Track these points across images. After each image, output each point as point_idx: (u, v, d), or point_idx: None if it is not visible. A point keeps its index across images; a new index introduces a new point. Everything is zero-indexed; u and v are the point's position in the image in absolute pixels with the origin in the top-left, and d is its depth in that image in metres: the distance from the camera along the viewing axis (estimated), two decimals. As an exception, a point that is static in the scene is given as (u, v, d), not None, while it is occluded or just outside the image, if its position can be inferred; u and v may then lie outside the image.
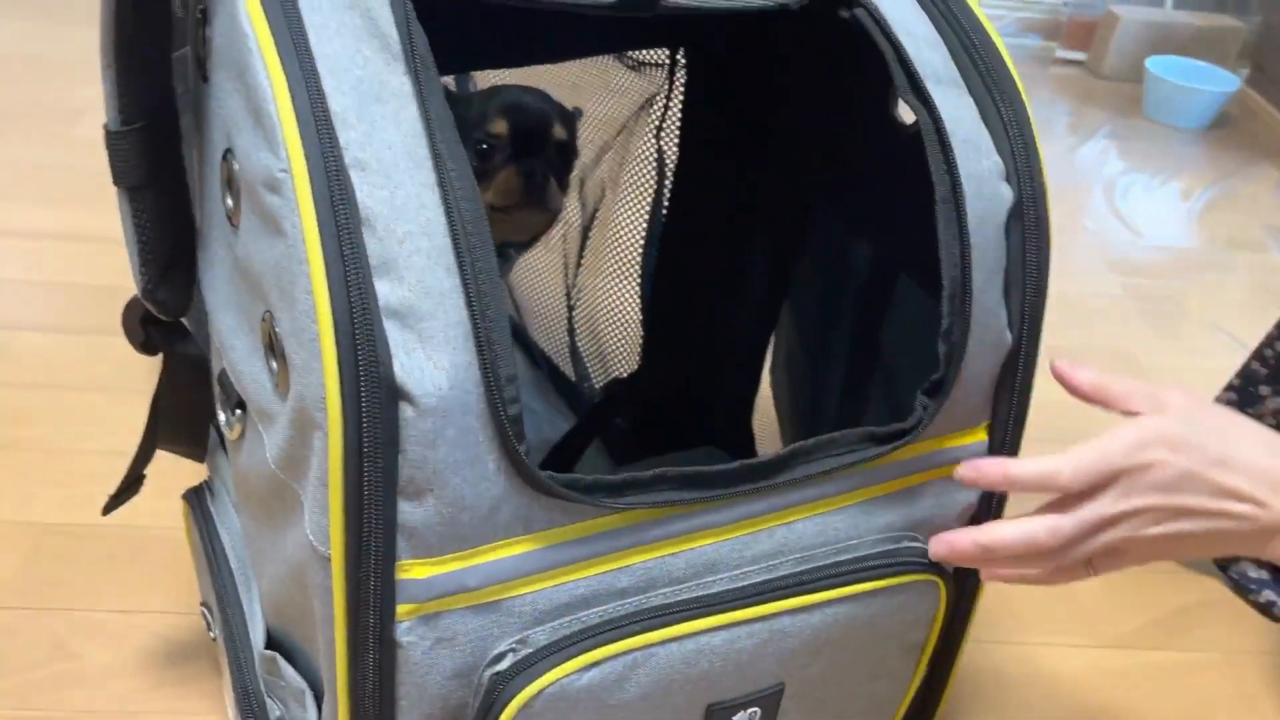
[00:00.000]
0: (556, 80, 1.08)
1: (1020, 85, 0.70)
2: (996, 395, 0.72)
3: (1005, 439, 0.73)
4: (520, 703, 0.59)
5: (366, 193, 0.53)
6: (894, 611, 0.70)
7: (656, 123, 1.01)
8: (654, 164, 1.02)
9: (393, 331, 0.53)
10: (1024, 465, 0.66)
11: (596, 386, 1.18)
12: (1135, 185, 2.20)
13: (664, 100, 0.99)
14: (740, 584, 0.65)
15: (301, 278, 0.53)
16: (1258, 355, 1.10)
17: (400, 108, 0.55)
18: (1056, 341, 1.56)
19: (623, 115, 1.05)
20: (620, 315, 1.12)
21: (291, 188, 0.53)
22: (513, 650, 0.60)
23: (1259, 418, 1.09)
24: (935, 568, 0.71)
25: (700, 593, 0.64)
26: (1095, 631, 1.14)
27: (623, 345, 1.13)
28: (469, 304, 0.54)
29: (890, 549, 0.70)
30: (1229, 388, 1.13)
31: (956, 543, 0.68)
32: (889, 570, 0.69)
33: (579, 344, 1.20)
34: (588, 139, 1.07)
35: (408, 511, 0.56)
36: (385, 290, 0.53)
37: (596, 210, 1.12)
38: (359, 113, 0.54)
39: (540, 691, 0.59)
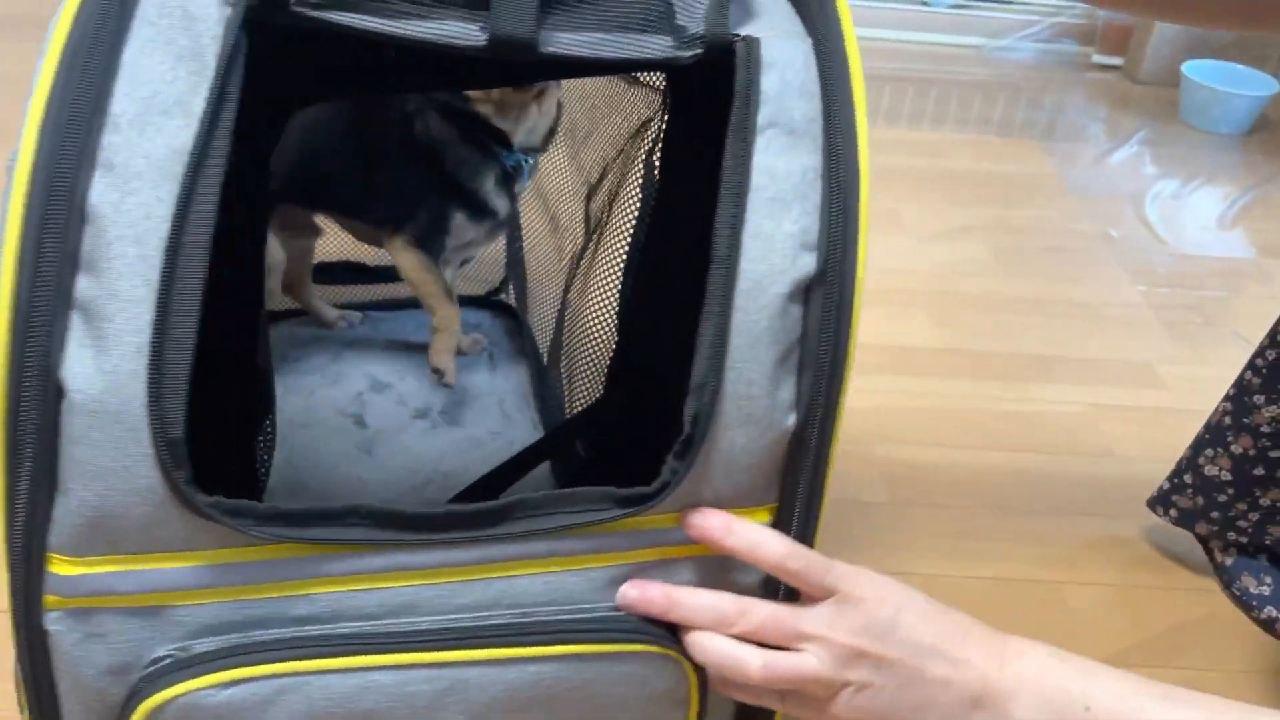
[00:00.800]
0: (569, 89, 1.07)
1: (864, 149, 0.63)
2: (786, 476, 0.66)
3: (792, 522, 0.68)
4: (149, 708, 0.58)
5: (99, 192, 0.55)
6: (619, 682, 0.65)
7: (647, 147, 0.97)
8: (639, 189, 0.99)
9: (76, 324, 0.54)
10: (748, 533, 0.64)
11: (568, 412, 1.16)
12: (1166, 192, 2.09)
13: (657, 125, 0.95)
14: (429, 628, 0.62)
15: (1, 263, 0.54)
16: (1250, 364, 1.02)
17: (181, 127, 0.56)
18: (1069, 353, 1.55)
19: (624, 135, 1.02)
20: (597, 340, 1.10)
21: (14, 178, 0.54)
22: (172, 656, 0.59)
23: (1254, 429, 1.03)
24: (676, 644, 0.66)
25: (386, 629, 0.62)
26: (1091, 647, 1.06)
27: (596, 371, 1.11)
28: (156, 319, 0.54)
29: (625, 616, 0.65)
30: (1225, 398, 1.05)
31: (647, 588, 0.65)
32: (613, 635, 0.64)
33: (563, 362, 1.18)
34: (596, 154, 1.05)
35: (60, 505, 0.56)
36: (84, 284, 0.54)
37: (599, 227, 1.10)
38: (135, 120, 0.55)
39: (171, 700, 0.58)
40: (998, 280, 1.71)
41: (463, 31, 0.61)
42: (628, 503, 0.63)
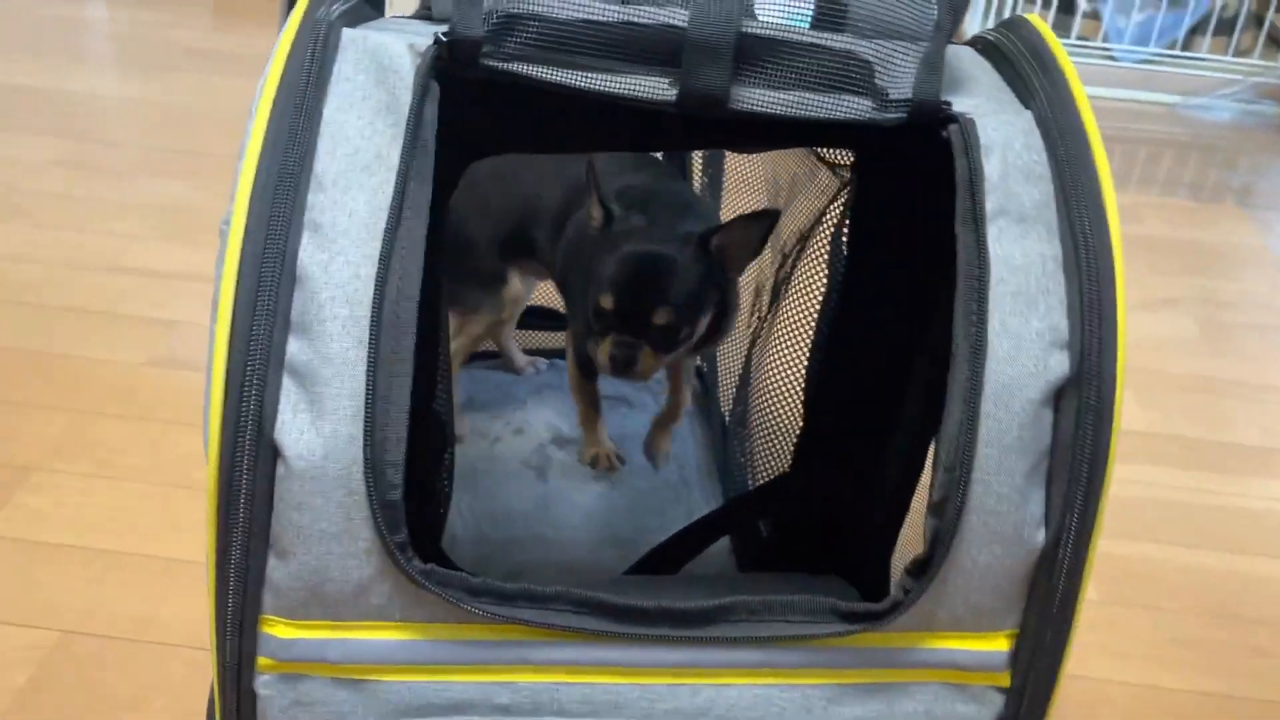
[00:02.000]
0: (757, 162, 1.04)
1: (1116, 236, 0.57)
2: (1028, 599, 0.60)
3: (1035, 655, 0.61)
4: (347, 796, 0.55)
5: (309, 254, 0.54)
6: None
7: (833, 222, 0.93)
8: (826, 264, 0.95)
9: (289, 387, 0.54)
10: None
11: (749, 481, 1.12)
12: None
13: (842, 200, 0.91)
14: (634, 735, 0.58)
15: (212, 325, 0.54)
16: None
17: (382, 183, 0.56)
18: None
19: (813, 207, 0.98)
20: (779, 412, 1.05)
21: (228, 240, 0.54)
22: (373, 737, 0.57)
23: None
24: None
25: (594, 736, 0.58)
26: None
27: (781, 446, 1.07)
28: (370, 380, 0.54)
29: (843, 746, 0.60)
30: None
31: None
32: None
33: (744, 431, 1.14)
34: (793, 226, 1.02)
35: (274, 566, 0.56)
36: (295, 348, 0.54)
37: (780, 297, 1.06)
38: (339, 179, 0.56)
39: (369, 789, 0.55)
40: (1206, 359, 1.58)
41: (653, 86, 0.59)
42: (854, 618, 0.59)
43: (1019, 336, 0.56)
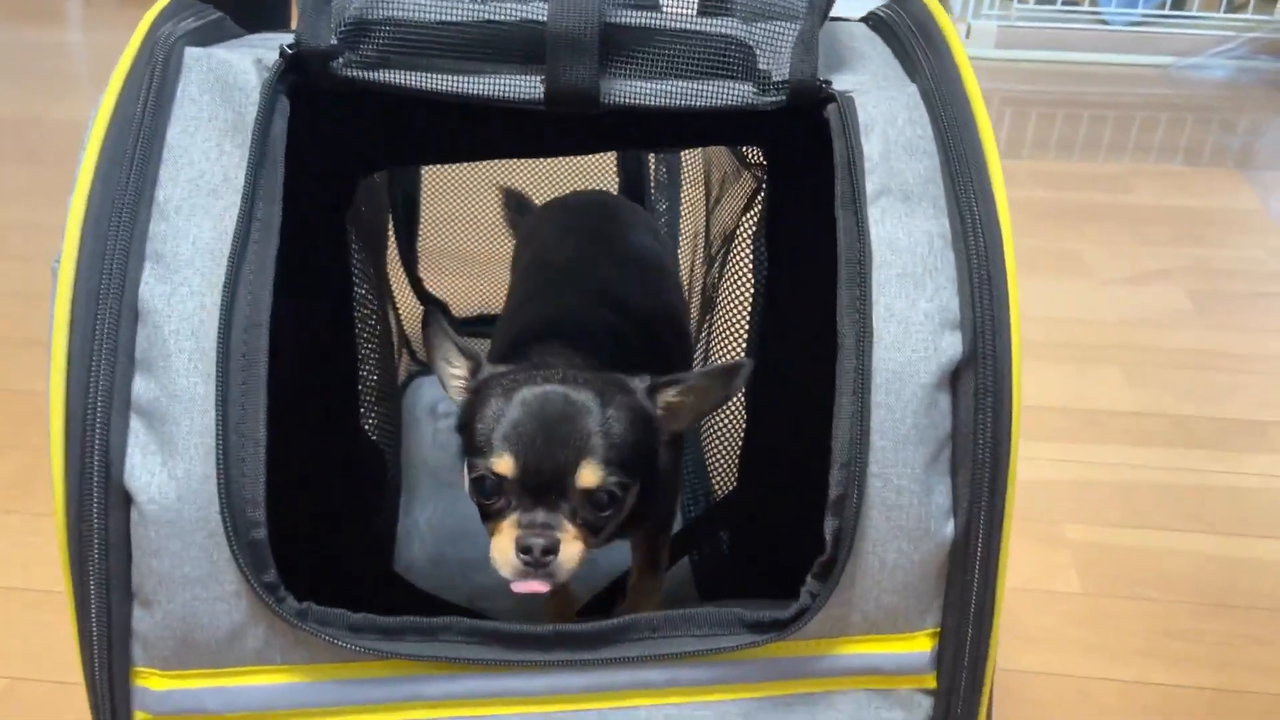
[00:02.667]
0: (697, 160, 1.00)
1: (1004, 209, 0.54)
2: (946, 596, 0.57)
3: (959, 653, 0.58)
4: None
5: (150, 286, 0.53)
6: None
7: (754, 224, 0.89)
8: (750, 268, 0.91)
9: (137, 428, 0.52)
10: None
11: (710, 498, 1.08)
12: None
13: (760, 201, 0.87)
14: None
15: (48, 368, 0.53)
16: None
17: (229, 206, 0.54)
18: None
19: (735, 207, 0.94)
20: (729, 424, 1.00)
21: (59, 278, 0.53)
22: (263, 787, 0.54)
23: None
24: None
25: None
26: None
27: (728, 459, 1.03)
28: (220, 416, 0.52)
29: (763, 768, 0.57)
30: None
31: None
32: None
33: (700, 445, 1.10)
34: (717, 228, 0.98)
35: (139, 617, 0.54)
36: (140, 386, 0.52)
37: (713, 302, 1.03)
38: (181, 205, 0.54)
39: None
40: (1199, 331, 1.53)
41: (519, 86, 0.57)
42: (760, 628, 0.56)
43: (906, 320, 0.53)
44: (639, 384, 0.66)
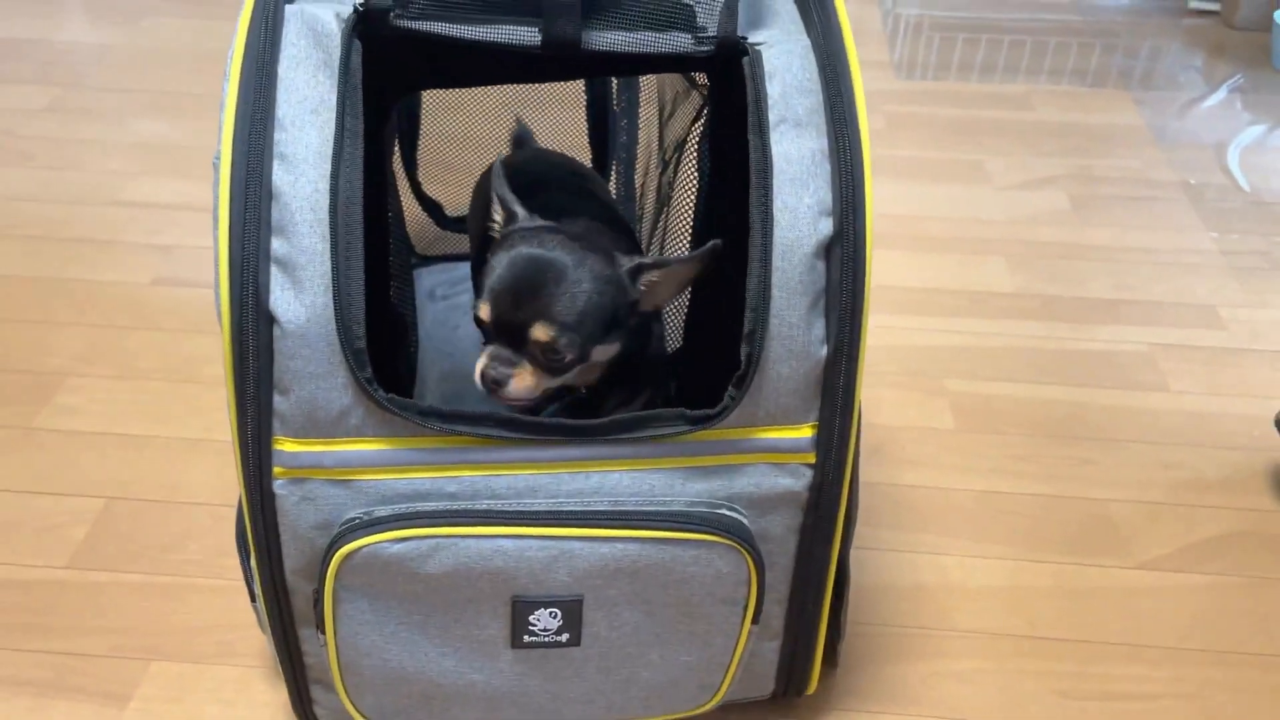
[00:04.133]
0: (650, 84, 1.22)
1: (864, 131, 0.79)
2: (822, 399, 0.82)
3: (830, 437, 0.83)
4: (342, 554, 0.79)
5: (279, 176, 0.75)
6: (691, 563, 0.83)
7: (698, 135, 1.13)
8: (695, 166, 1.15)
9: (276, 274, 0.75)
10: None
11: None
12: (1249, 140, 2.13)
13: (706, 115, 1.11)
14: (544, 509, 0.81)
15: (215, 232, 0.76)
16: None
17: (327, 120, 0.76)
18: (1138, 296, 1.67)
19: (686, 120, 1.18)
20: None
21: (220, 170, 0.76)
22: (360, 518, 0.81)
23: None
24: (737, 537, 0.83)
25: (513, 509, 0.81)
26: (1128, 555, 1.23)
27: (677, 323, 1.28)
28: (334, 265, 0.75)
29: (698, 511, 0.83)
30: None
31: None
32: (685, 526, 0.82)
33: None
34: (670, 137, 1.20)
35: (279, 402, 0.78)
36: (277, 245, 0.75)
37: (667, 200, 1.26)
38: (294, 120, 0.76)
39: (358, 549, 0.79)
40: (1074, 228, 1.80)
41: (523, 35, 0.80)
42: (697, 420, 0.81)
43: (795, 211, 0.77)
44: (625, 262, 0.84)
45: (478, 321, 0.84)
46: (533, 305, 0.82)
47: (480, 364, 0.83)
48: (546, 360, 0.83)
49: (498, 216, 0.88)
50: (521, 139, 1.37)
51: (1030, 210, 1.85)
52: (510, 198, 0.87)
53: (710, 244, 0.81)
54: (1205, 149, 2.08)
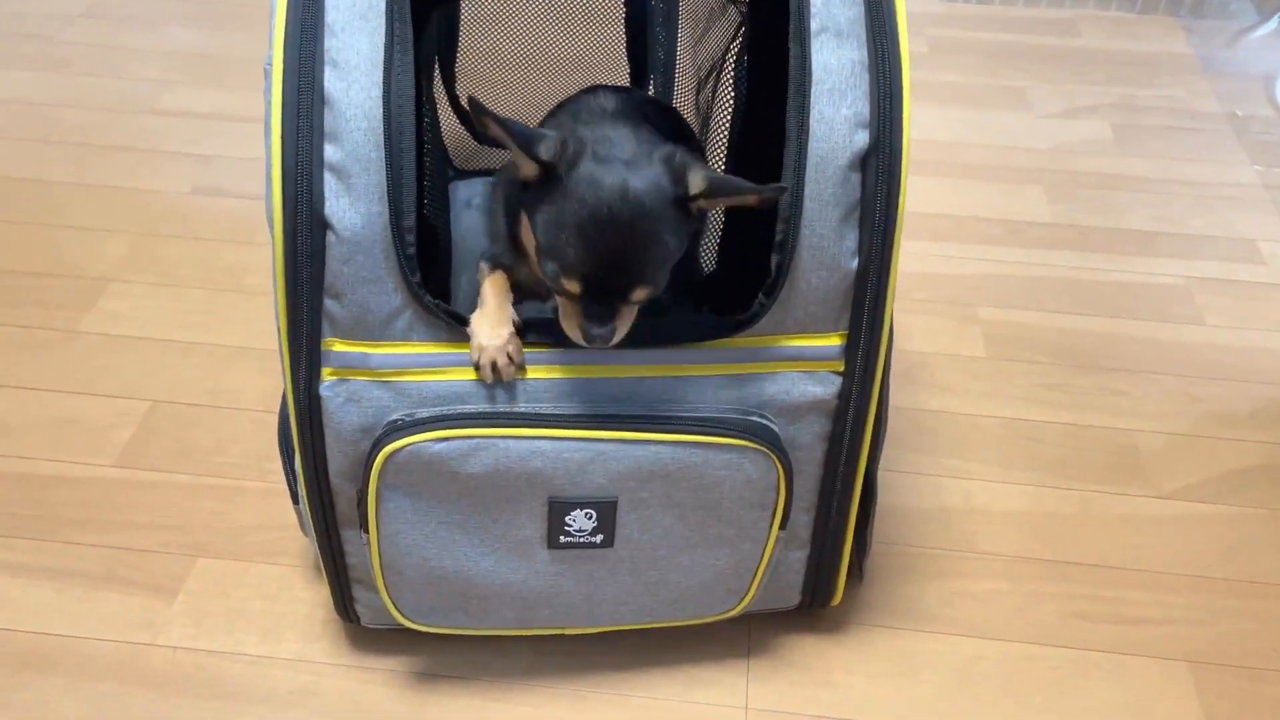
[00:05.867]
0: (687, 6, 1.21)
1: (904, 45, 0.79)
2: (853, 308, 0.83)
3: (858, 346, 0.85)
4: (386, 454, 0.82)
5: (331, 82, 0.76)
6: (721, 467, 0.86)
7: (737, 48, 1.12)
8: (733, 84, 1.14)
9: (330, 181, 0.77)
10: None
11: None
12: None
13: (743, 32, 1.10)
14: (580, 412, 0.83)
15: (268, 139, 0.77)
16: None
17: (376, 27, 0.77)
18: (1177, 229, 1.67)
19: (723, 37, 1.17)
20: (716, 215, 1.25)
21: (272, 77, 0.77)
22: (402, 419, 0.83)
23: None
24: (766, 442, 0.85)
25: (550, 411, 0.83)
26: (1152, 484, 1.24)
27: (712, 245, 1.28)
28: (388, 172, 0.76)
29: (729, 417, 0.85)
30: None
31: None
32: (716, 430, 0.84)
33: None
34: (705, 54, 1.19)
35: (330, 305, 0.80)
36: (330, 151, 0.76)
37: (709, 112, 1.26)
38: (345, 25, 0.77)
39: (401, 448, 0.82)
40: (1114, 158, 1.78)
41: None
42: (730, 325, 0.83)
43: (832, 122, 0.77)
44: (696, 182, 0.75)
45: (560, 288, 0.76)
46: (628, 272, 0.75)
47: (577, 323, 0.77)
48: (643, 308, 0.80)
49: (528, 170, 0.76)
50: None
51: (1071, 139, 1.83)
52: (525, 127, 0.75)
53: (776, 185, 0.76)
54: (1253, 80, 2.03)
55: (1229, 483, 1.23)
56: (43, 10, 2.11)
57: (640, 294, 0.77)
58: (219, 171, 1.68)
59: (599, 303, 0.77)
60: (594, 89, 1.02)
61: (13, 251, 1.51)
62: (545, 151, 0.74)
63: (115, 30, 2.06)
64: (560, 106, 1.02)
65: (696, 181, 0.75)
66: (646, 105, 0.96)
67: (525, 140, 0.74)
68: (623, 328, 0.79)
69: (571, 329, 0.78)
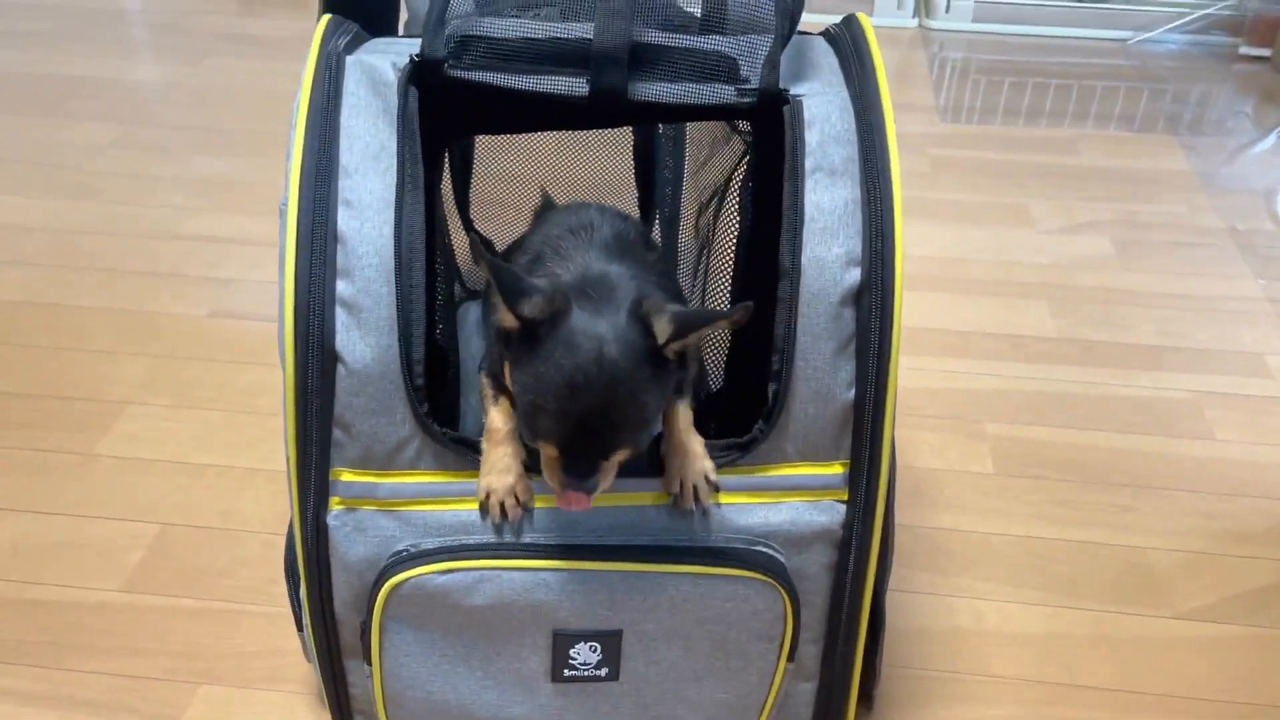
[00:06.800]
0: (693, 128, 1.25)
1: (897, 184, 0.81)
2: (854, 437, 0.84)
3: (860, 474, 0.86)
4: (391, 585, 0.82)
5: (344, 221, 0.79)
6: (727, 599, 0.85)
7: (740, 179, 1.16)
8: (738, 211, 1.18)
9: (342, 316, 0.79)
10: None
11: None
12: None
13: (749, 162, 1.14)
14: (584, 543, 0.84)
15: (281, 276, 0.79)
16: None
17: (388, 166, 0.80)
18: (1183, 343, 1.68)
19: (726, 165, 1.21)
20: (719, 336, 1.27)
21: (287, 217, 0.80)
22: (407, 550, 0.83)
23: None
24: (773, 574, 0.85)
25: (554, 542, 0.84)
26: (1165, 604, 1.22)
27: (718, 363, 1.30)
28: (399, 307, 0.79)
29: (735, 548, 0.85)
30: None
31: None
32: (722, 562, 0.84)
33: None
34: (707, 181, 1.24)
35: (338, 435, 0.81)
36: (343, 287, 0.79)
37: (709, 241, 1.29)
38: (358, 166, 0.80)
39: (405, 581, 0.82)
40: (1117, 274, 1.80)
41: (571, 85, 0.83)
42: (728, 449, 0.84)
43: (824, 260, 0.79)
44: (662, 328, 0.73)
45: (540, 448, 0.76)
46: (605, 438, 0.74)
47: (557, 479, 0.76)
48: (624, 465, 0.78)
49: (508, 321, 0.74)
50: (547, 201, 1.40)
51: (1073, 255, 1.85)
52: (525, 294, 0.73)
53: (743, 305, 0.74)
54: (1254, 195, 2.07)
55: (1247, 602, 1.21)
56: (73, 141, 2.20)
57: (620, 455, 0.76)
58: (237, 295, 1.72)
59: (580, 458, 0.75)
60: (584, 207, 1.04)
61: (36, 375, 1.54)
62: (529, 309, 0.73)
63: (144, 159, 2.14)
64: (547, 218, 1.04)
65: (663, 327, 0.74)
66: (631, 230, 0.97)
67: (511, 295, 0.73)
68: (604, 482, 0.77)
69: (553, 480, 0.76)
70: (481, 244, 1.11)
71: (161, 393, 1.51)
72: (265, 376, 1.54)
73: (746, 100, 0.84)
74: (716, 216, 1.21)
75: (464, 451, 0.82)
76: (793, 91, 0.84)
